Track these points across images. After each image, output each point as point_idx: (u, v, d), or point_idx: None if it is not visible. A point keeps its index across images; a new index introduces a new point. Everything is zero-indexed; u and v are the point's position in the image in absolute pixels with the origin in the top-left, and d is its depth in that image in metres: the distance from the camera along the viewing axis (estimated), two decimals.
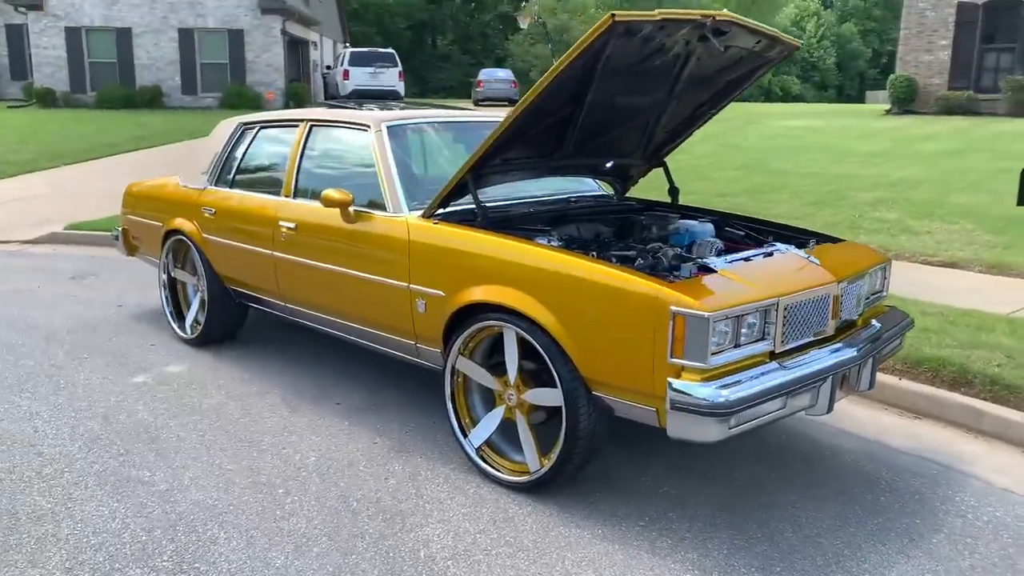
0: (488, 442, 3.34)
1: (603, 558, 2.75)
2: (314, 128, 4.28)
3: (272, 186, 4.45)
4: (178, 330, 5.12)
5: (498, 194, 3.85)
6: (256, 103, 23.06)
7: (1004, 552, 2.82)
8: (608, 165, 4.14)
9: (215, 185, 4.79)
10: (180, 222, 4.90)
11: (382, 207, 3.70)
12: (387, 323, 3.67)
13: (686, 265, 3.11)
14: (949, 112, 19.21)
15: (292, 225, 4.08)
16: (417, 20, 45.97)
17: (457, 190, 3.45)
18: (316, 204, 3.99)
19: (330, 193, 3.70)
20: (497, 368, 3.29)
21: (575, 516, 3.02)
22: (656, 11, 2.91)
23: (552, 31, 39.33)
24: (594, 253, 3.23)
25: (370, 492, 3.19)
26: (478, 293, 3.18)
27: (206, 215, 4.71)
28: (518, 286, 3.05)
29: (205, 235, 4.72)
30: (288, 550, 2.79)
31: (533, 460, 3.14)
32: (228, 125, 4.93)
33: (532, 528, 2.94)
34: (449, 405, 3.42)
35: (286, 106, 25.33)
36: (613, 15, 2.83)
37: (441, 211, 3.53)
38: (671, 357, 2.66)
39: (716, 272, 2.99)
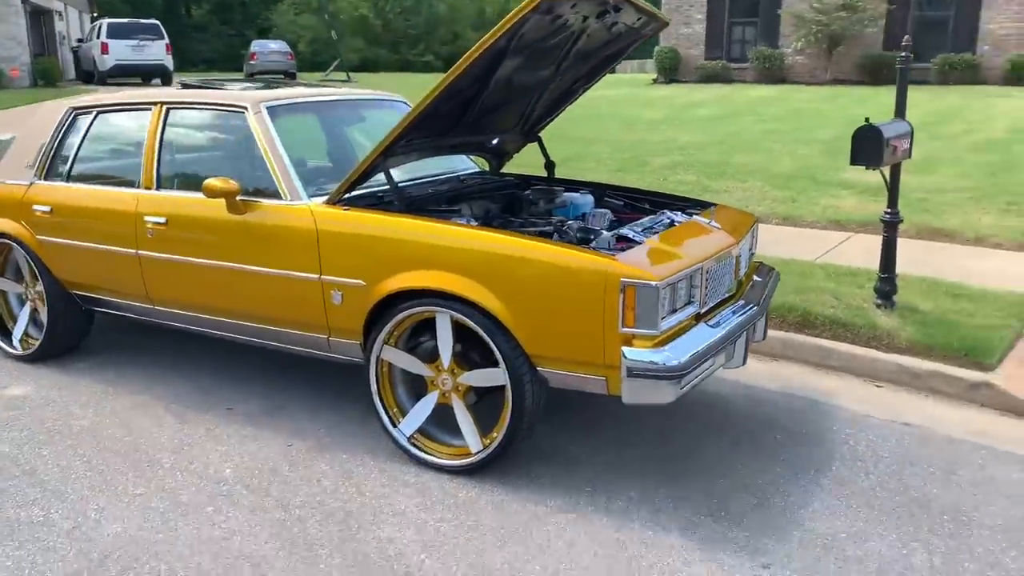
0: (419, 430, 3.30)
1: (567, 527, 2.85)
2: (171, 111, 3.89)
3: (124, 177, 3.99)
4: (4, 347, 4.48)
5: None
6: None
7: (890, 470, 3.28)
8: (494, 142, 4.17)
9: (45, 179, 4.21)
10: (4, 224, 4.26)
11: (275, 195, 3.47)
12: (292, 318, 3.47)
13: (603, 237, 3.25)
14: (707, 80, 21.12)
15: (161, 220, 3.70)
16: None
17: (365, 174, 3.33)
18: (190, 195, 3.66)
19: (213, 182, 3.40)
20: (417, 353, 3.25)
21: (524, 491, 3.08)
22: None
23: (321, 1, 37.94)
24: (519, 231, 3.26)
25: (309, 497, 3.04)
26: (408, 280, 3.10)
27: (38, 213, 4.13)
28: (455, 270, 3.01)
29: (40, 236, 4.14)
30: (247, 573, 2.60)
31: (475, 442, 3.16)
32: (52, 111, 4.33)
33: (488, 509, 2.97)
34: (376, 397, 3.33)
35: (34, 84, 22.45)
36: None
37: (346, 196, 3.38)
38: (622, 327, 2.79)
39: (639, 243, 3.16)
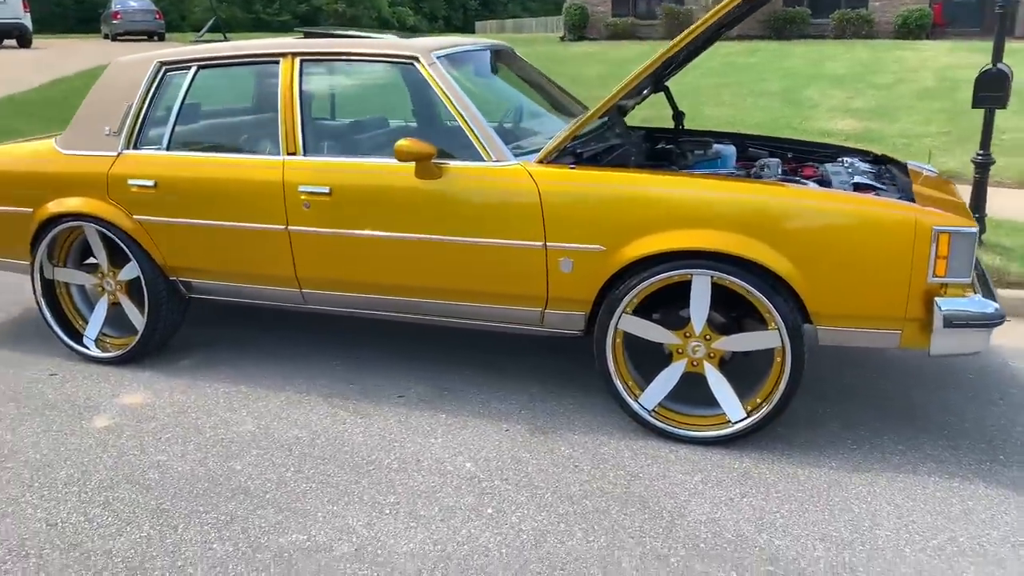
0: (660, 403, 3.06)
1: (872, 487, 2.71)
2: (307, 64, 3.37)
3: (252, 143, 3.46)
4: (77, 349, 3.84)
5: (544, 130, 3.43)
6: None
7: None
8: (645, 91, 3.90)
9: (137, 148, 3.58)
10: (82, 203, 3.59)
11: (471, 157, 3.08)
12: (503, 291, 3.11)
13: (839, 183, 3.10)
14: (616, 37, 21.19)
15: (323, 189, 3.21)
16: None
17: (582, 129, 3.00)
18: (362, 160, 3.21)
19: (406, 144, 2.98)
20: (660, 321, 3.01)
21: (798, 457, 2.91)
22: None
23: None
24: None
25: (583, 485, 2.74)
26: (665, 241, 2.82)
27: (135, 189, 3.51)
28: (729, 228, 2.77)
29: (138, 216, 3.53)
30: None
31: (736, 409, 2.95)
32: (131, 67, 3.67)
33: (781, 478, 2.77)
34: (612, 368, 3.05)
35: None
36: None
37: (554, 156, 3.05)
38: (932, 277, 2.65)
39: (885, 191, 3.02)
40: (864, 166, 3.56)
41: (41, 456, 2.98)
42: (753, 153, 3.95)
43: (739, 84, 12.66)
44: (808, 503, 2.63)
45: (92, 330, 3.87)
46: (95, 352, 3.82)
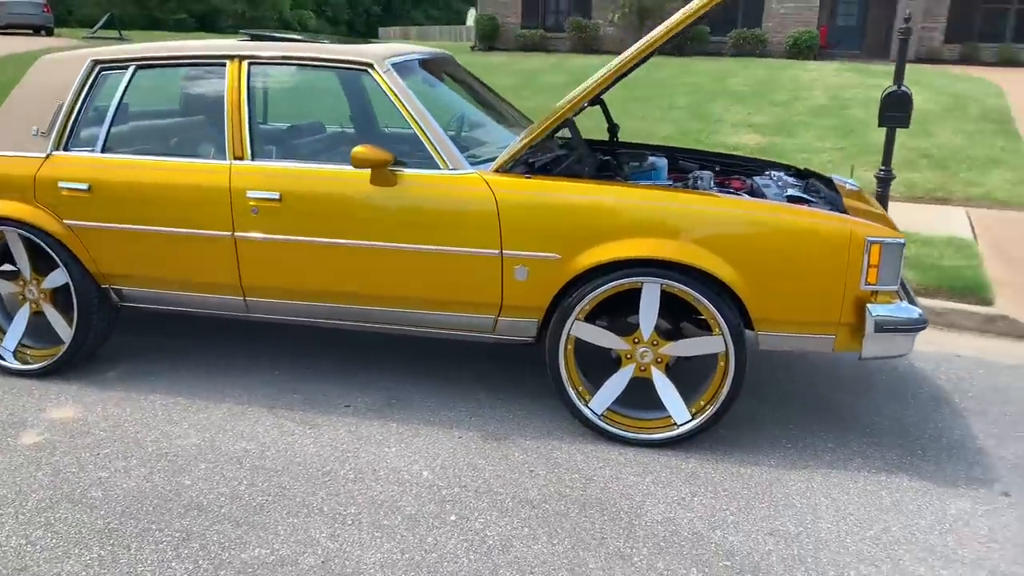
0: (609, 407, 3.15)
1: (811, 483, 2.87)
2: (255, 67, 3.30)
3: (194, 146, 3.36)
4: None
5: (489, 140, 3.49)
6: None
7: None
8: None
9: (67, 150, 3.41)
10: (5, 207, 3.40)
11: (425, 164, 3.10)
12: (457, 299, 3.14)
13: (773, 195, 3.28)
14: (525, 49, 21.50)
15: (272, 195, 3.16)
16: None
17: (541, 138, 3.08)
18: (314, 166, 3.19)
19: (363, 151, 2.98)
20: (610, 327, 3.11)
21: (738, 456, 3.06)
22: None
23: None
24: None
25: (540, 489, 2.80)
26: (618, 250, 2.92)
27: (66, 192, 3.35)
28: (677, 237, 2.89)
29: (69, 221, 3.36)
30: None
31: (681, 412, 3.08)
32: (62, 65, 3.50)
33: (727, 477, 2.91)
34: (564, 375, 3.12)
35: None
36: None
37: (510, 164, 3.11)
38: (864, 284, 2.85)
39: (815, 204, 3.22)
40: (790, 179, 3.78)
41: None
42: (683, 165, 4.12)
43: (647, 99, 13.06)
44: (754, 500, 2.78)
45: (10, 341, 3.66)
46: (14, 364, 3.62)
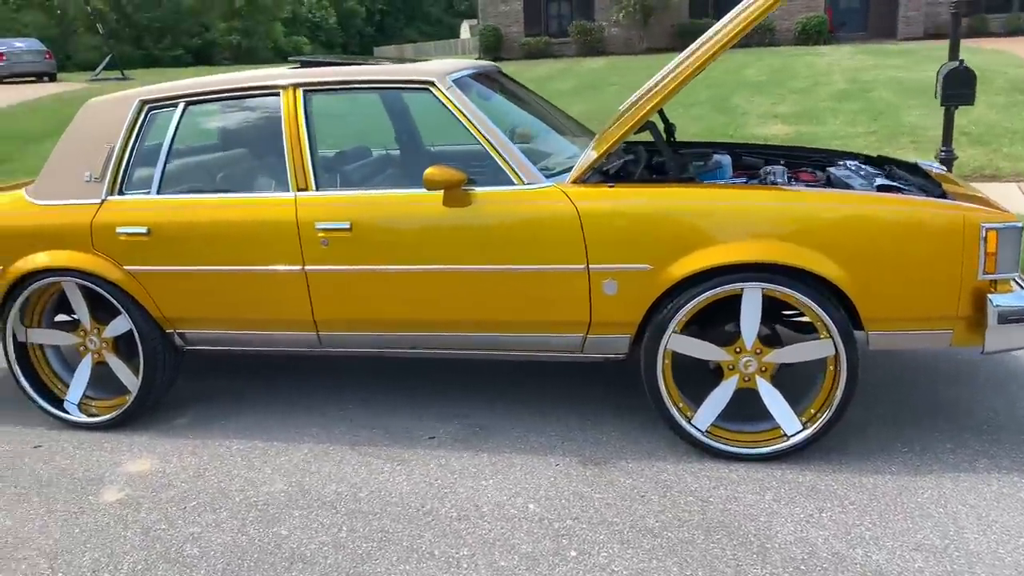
0: (712, 422, 2.99)
1: (938, 490, 2.70)
2: (311, 95, 3.17)
3: (254, 180, 3.24)
4: (57, 415, 3.50)
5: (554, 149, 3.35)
6: None
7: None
8: None
9: (123, 194, 3.29)
10: (63, 257, 3.28)
11: (498, 181, 2.96)
12: (542, 319, 2.99)
13: (859, 186, 3.11)
14: (531, 57, 21.40)
15: (343, 225, 3.02)
16: None
17: (615, 146, 2.93)
18: (382, 192, 3.05)
19: (434, 172, 2.84)
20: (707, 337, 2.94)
21: (855, 465, 2.88)
22: None
23: None
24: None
25: (658, 517, 2.63)
26: (715, 256, 2.76)
27: (124, 237, 3.22)
28: (781, 238, 2.73)
29: (130, 267, 3.24)
30: None
31: (791, 422, 2.91)
32: (108, 108, 3.39)
33: (850, 489, 2.73)
34: (663, 392, 2.96)
35: None
36: None
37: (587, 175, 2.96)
38: (983, 274, 2.68)
39: (908, 191, 3.05)
40: (869, 168, 3.60)
41: (54, 542, 2.67)
42: (747, 161, 3.96)
43: None
44: (887, 512, 2.60)
45: (74, 394, 3.54)
46: (81, 418, 3.49)
